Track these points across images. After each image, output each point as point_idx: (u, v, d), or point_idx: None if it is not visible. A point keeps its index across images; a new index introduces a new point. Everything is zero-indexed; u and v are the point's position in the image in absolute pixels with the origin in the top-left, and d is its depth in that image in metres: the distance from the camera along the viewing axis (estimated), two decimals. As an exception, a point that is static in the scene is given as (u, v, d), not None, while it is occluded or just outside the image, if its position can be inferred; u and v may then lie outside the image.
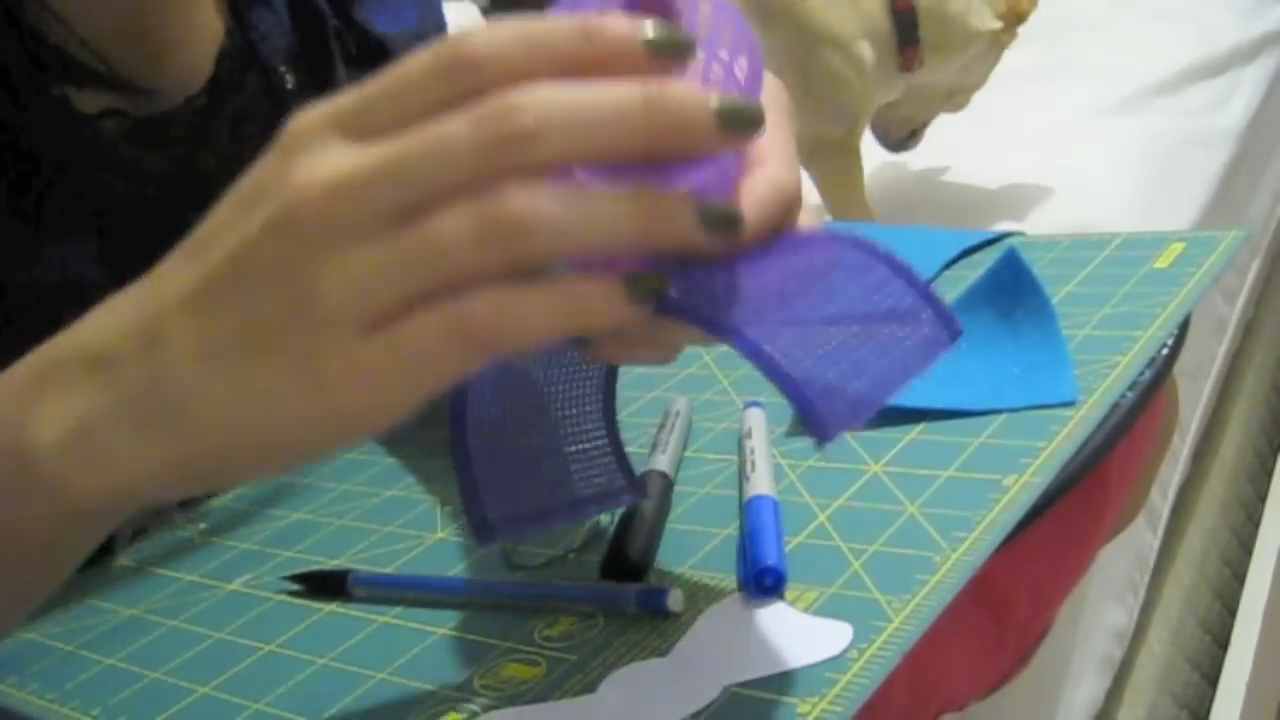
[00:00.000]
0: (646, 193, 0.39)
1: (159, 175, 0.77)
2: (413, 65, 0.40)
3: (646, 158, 0.40)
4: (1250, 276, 1.73)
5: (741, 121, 0.40)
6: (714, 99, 0.39)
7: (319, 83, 0.85)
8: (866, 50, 1.29)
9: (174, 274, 0.43)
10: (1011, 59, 1.85)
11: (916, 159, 1.56)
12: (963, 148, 1.56)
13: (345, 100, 0.41)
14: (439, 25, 0.97)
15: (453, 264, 0.38)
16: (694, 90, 0.39)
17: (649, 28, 0.40)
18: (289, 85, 0.83)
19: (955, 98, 1.43)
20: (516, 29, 0.39)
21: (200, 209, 0.79)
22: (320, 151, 0.40)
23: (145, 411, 0.42)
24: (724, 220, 0.41)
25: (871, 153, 1.46)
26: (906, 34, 1.31)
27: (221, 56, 0.80)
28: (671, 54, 0.40)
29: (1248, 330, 1.80)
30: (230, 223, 0.42)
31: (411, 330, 0.39)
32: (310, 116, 0.41)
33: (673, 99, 0.39)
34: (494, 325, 0.39)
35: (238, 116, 0.81)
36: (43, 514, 0.45)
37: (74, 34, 0.73)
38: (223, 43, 0.81)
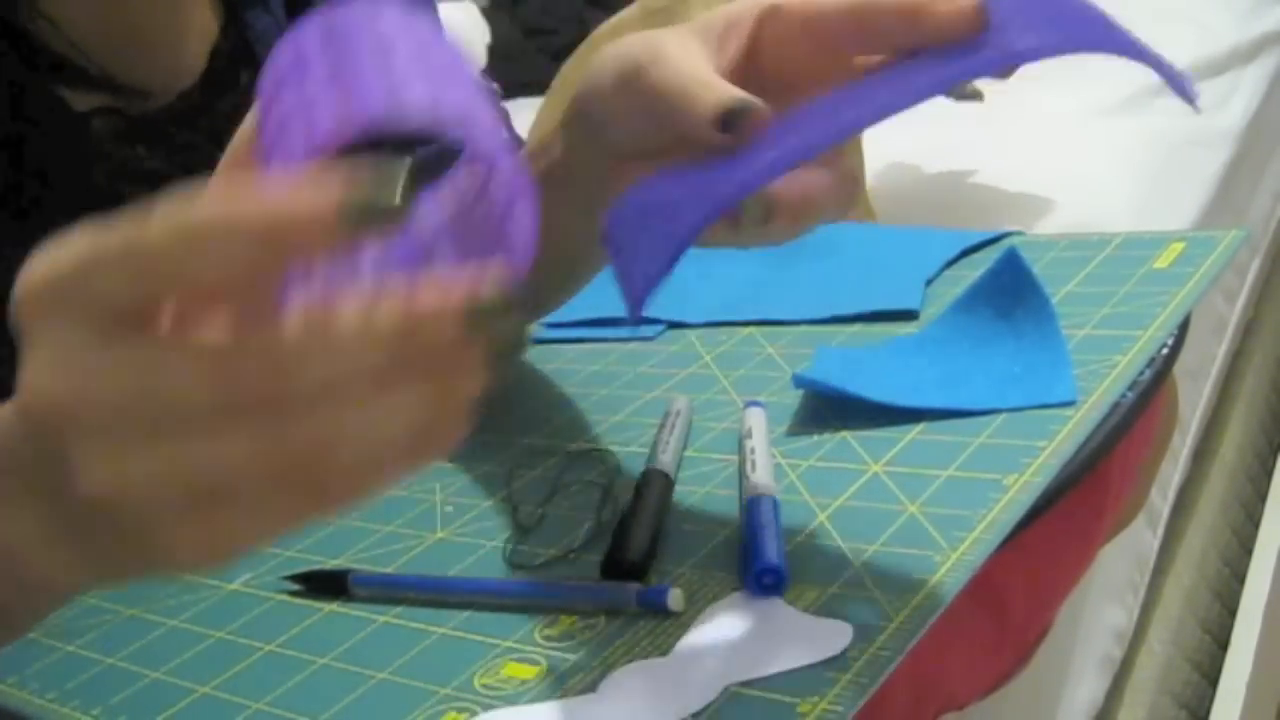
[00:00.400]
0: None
1: (153, 174, 0.77)
2: (110, 258, 0.37)
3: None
4: (1250, 276, 1.73)
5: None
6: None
7: None
8: None
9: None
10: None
11: (916, 159, 1.56)
12: (963, 148, 1.56)
13: (90, 266, 0.37)
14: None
15: (224, 486, 0.37)
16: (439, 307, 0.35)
17: (338, 198, 0.34)
18: None
19: None
20: (192, 229, 0.36)
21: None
22: (53, 348, 0.37)
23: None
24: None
25: (872, 154, 1.45)
26: None
27: (214, 53, 0.80)
28: (368, 225, 0.35)
29: (1248, 330, 1.80)
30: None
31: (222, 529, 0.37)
32: (41, 284, 0.38)
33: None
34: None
35: (232, 114, 0.81)
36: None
37: (65, 36, 0.73)
38: (215, 40, 0.81)
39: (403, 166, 0.34)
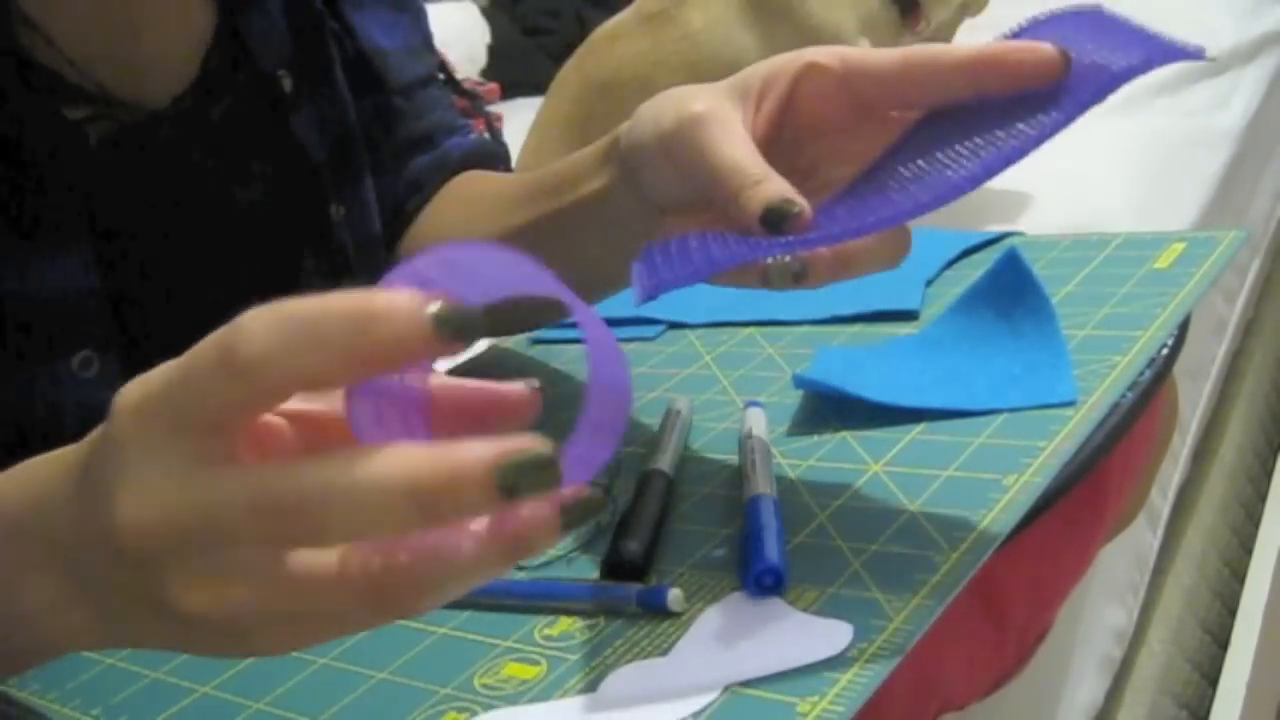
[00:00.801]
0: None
1: (148, 181, 0.77)
2: (201, 361, 0.39)
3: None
4: (1250, 276, 1.73)
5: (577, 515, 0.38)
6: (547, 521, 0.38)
7: (316, 86, 0.85)
8: (866, 46, 1.29)
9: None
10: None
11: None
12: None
13: (162, 393, 0.39)
14: (427, 43, 0.97)
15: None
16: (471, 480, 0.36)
17: (432, 306, 0.36)
18: (286, 89, 0.83)
19: (969, 9, 1.42)
20: (290, 317, 0.37)
21: (192, 211, 0.79)
22: (148, 472, 0.39)
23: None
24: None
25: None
26: (907, 5, 1.32)
27: (208, 58, 0.80)
28: (457, 334, 0.37)
29: (1248, 330, 1.80)
30: (73, 510, 0.43)
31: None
32: (132, 405, 0.40)
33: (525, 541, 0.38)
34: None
35: (227, 118, 0.81)
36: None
37: (58, 51, 0.73)
38: (209, 44, 0.81)
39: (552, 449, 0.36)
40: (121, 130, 0.76)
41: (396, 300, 0.36)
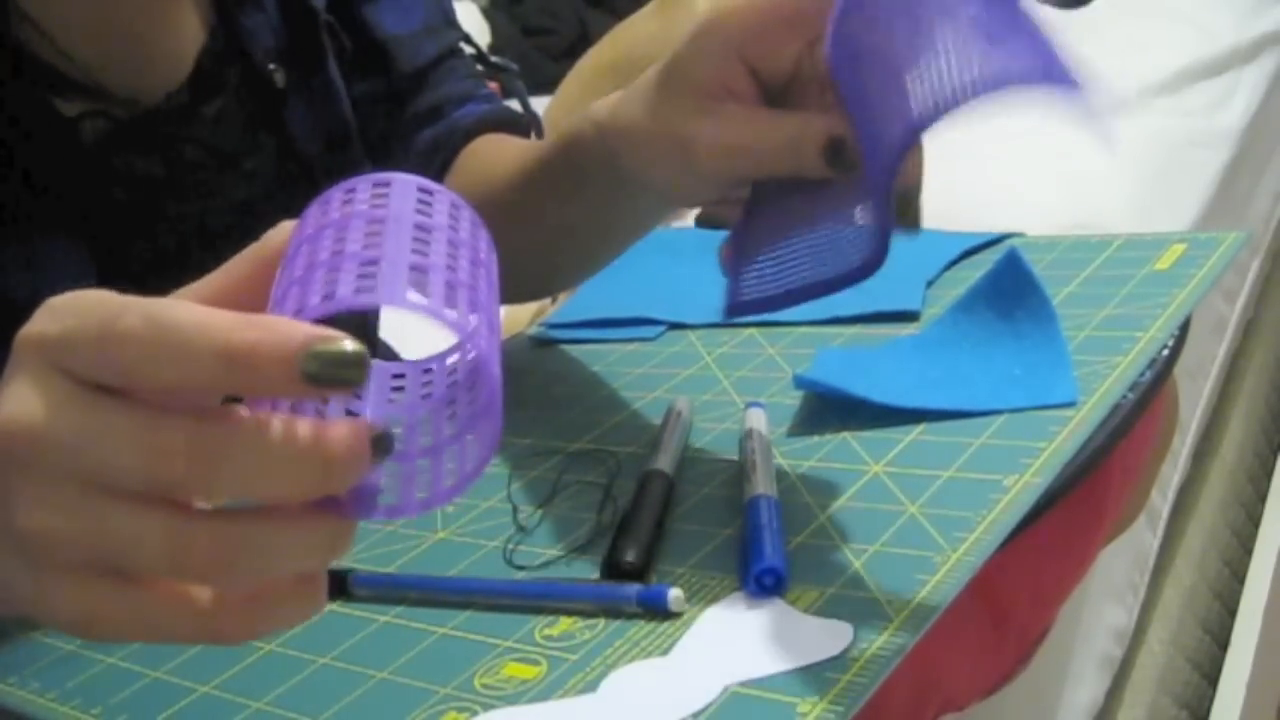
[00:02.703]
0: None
1: (142, 177, 0.77)
2: (86, 324, 0.38)
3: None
4: (1250, 276, 1.73)
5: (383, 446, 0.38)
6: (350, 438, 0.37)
7: (310, 80, 0.85)
8: None
9: None
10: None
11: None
12: (962, 148, 1.56)
13: (73, 335, 0.39)
14: (448, 20, 0.97)
15: (130, 564, 0.38)
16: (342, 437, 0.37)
17: (302, 356, 0.36)
18: (280, 84, 0.83)
19: None
20: (168, 326, 0.37)
21: (186, 207, 0.79)
22: (31, 387, 0.39)
23: None
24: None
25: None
26: None
27: (202, 54, 0.80)
28: (326, 387, 0.36)
29: (1248, 330, 1.80)
30: None
31: (104, 606, 0.39)
32: (34, 337, 0.39)
33: (330, 455, 0.37)
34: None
35: (221, 114, 0.81)
36: None
37: (53, 43, 0.73)
38: (204, 40, 0.81)
39: (363, 349, 0.36)
40: (116, 127, 0.76)
41: (264, 342, 0.36)
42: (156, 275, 0.78)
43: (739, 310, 0.63)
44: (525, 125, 0.97)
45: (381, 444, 0.38)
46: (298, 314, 0.37)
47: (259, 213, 0.82)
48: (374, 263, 0.38)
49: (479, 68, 0.99)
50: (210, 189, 0.80)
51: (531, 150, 0.82)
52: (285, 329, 0.36)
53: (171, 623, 0.39)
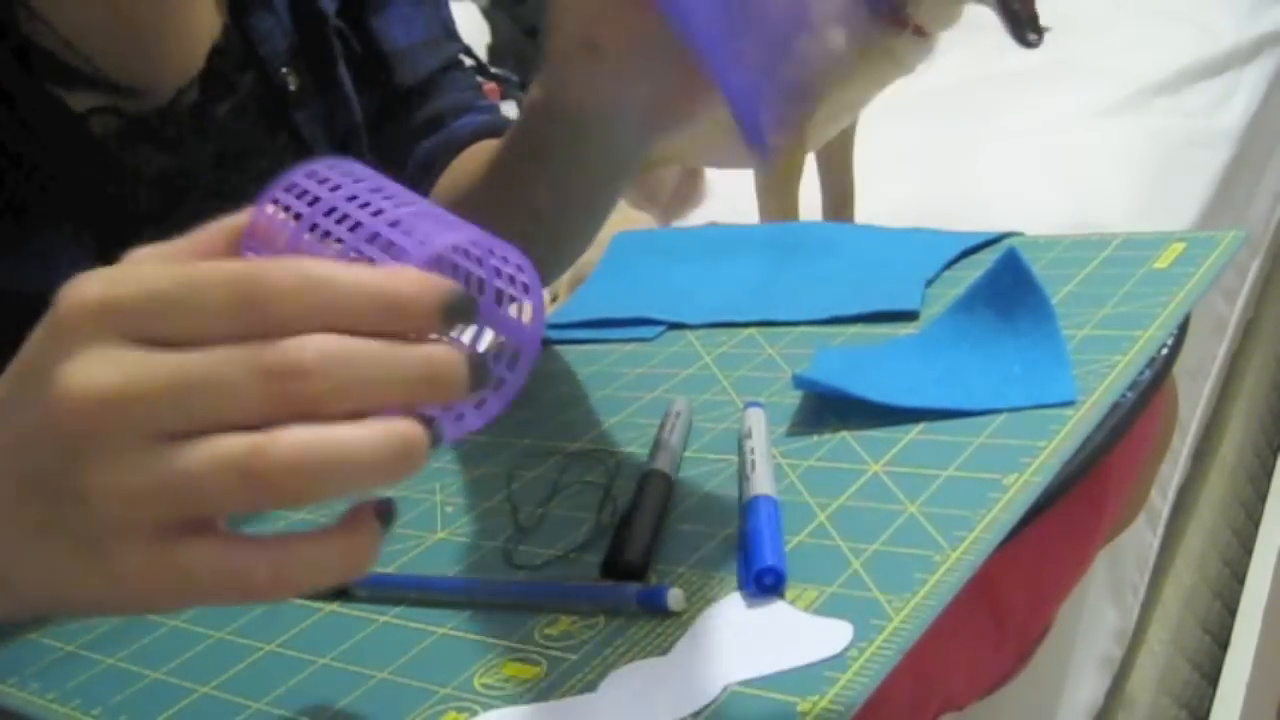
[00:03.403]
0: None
1: (152, 175, 0.77)
2: (208, 281, 0.40)
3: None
4: (1250, 276, 1.74)
5: (482, 375, 0.43)
6: (463, 362, 0.42)
7: (321, 84, 0.85)
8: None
9: None
10: (1012, 59, 1.84)
11: (915, 159, 1.56)
12: (963, 148, 1.56)
13: (129, 290, 0.41)
14: (449, 32, 0.97)
15: (209, 501, 0.40)
16: (455, 358, 0.42)
17: (444, 295, 0.42)
18: (291, 87, 0.83)
19: None
20: (318, 276, 0.40)
21: (197, 206, 0.79)
22: (94, 354, 0.40)
23: None
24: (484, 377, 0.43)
25: (870, 155, 1.46)
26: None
27: (214, 53, 0.80)
28: (461, 320, 0.42)
29: (1248, 330, 1.80)
30: (8, 407, 0.43)
31: (183, 560, 0.41)
32: (88, 299, 0.41)
33: (441, 371, 0.42)
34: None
35: (233, 115, 0.81)
36: None
37: (60, 36, 0.73)
38: (217, 39, 0.81)
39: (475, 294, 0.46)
40: (127, 124, 0.76)
41: (420, 291, 0.41)
42: None
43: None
44: None
45: (479, 371, 0.43)
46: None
47: None
48: (398, 223, 0.45)
49: (478, 79, 1.00)
50: (221, 188, 0.80)
51: (497, 144, 0.83)
52: (431, 280, 0.42)
53: (249, 569, 0.41)
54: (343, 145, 0.86)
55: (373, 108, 0.90)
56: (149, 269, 0.41)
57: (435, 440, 0.42)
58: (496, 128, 0.95)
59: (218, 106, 0.80)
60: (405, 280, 0.41)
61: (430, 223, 0.45)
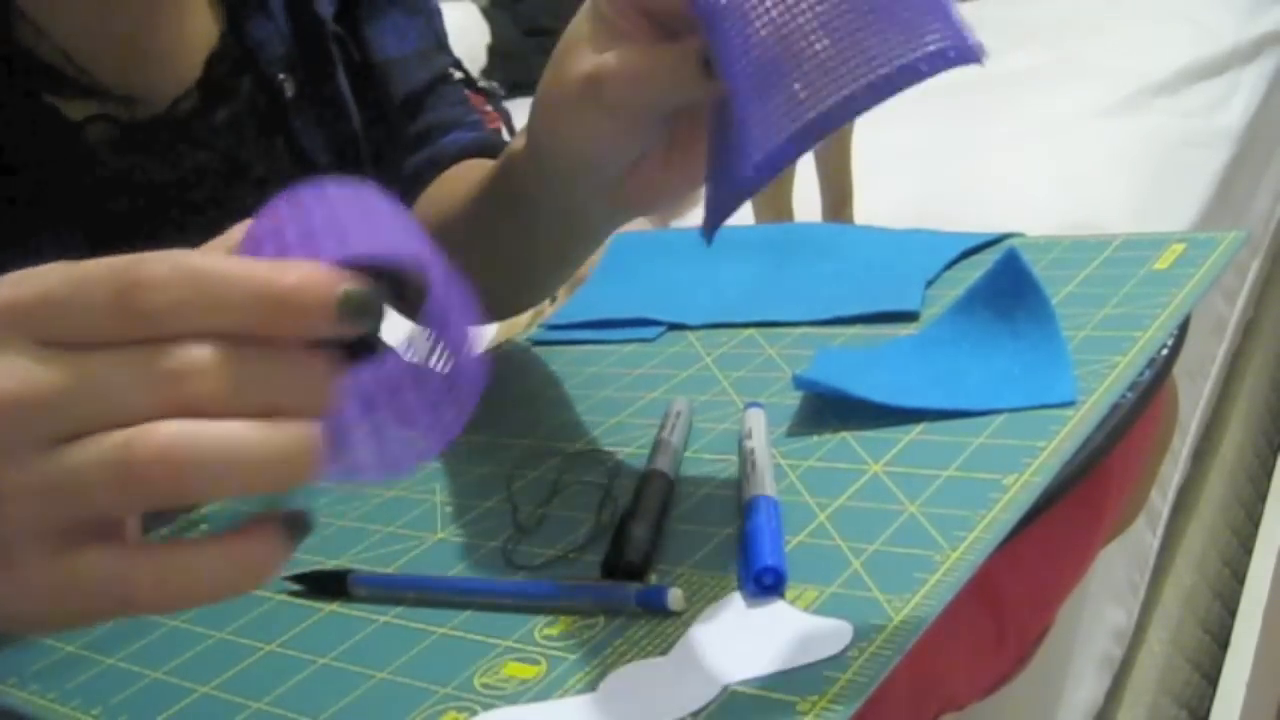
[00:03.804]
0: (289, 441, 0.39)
1: (150, 184, 0.77)
2: (92, 278, 0.39)
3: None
4: (1250, 276, 1.74)
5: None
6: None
7: (318, 91, 0.85)
8: None
9: None
10: (1012, 59, 1.85)
11: (915, 159, 1.56)
12: (963, 148, 1.56)
13: (25, 292, 0.39)
14: (440, 43, 0.97)
15: (94, 500, 0.39)
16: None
17: (342, 290, 0.39)
18: (289, 94, 0.83)
19: None
20: (193, 266, 0.38)
21: (194, 215, 0.78)
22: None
23: None
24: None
25: (870, 154, 1.45)
26: None
27: (211, 60, 0.80)
28: (362, 318, 0.39)
29: (1248, 330, 1.80)
30: None
31: (78, 566, 0.40)
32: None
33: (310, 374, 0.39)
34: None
35: (231, 121, 0.81)
36: None
37: (54, 43, 0.73)
38: (214, 46, 0.81)
39: (381, 292, 0.40)
40: (122, 133, 0.76)
41: (306, 284, 0.38)
42: None
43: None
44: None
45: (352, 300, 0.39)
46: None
47: None
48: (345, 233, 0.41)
49: (466, 92, 0.99)
50: (219, 197, 0.80)
51: (483, 171, 0.82)
52: (323, 272, 0.38)
53: (132, 577, 0.39)
54: (340, 153, 0.86)
55: (364, 120, 0.90)
56: (49, 269, 0.40)
57: (336, 447, 0.40)
58: (482, 146, 0.95)
59: (216, 114, 0.80)
60: (296, 272, 0.38)
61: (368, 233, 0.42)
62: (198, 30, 0.80)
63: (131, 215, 0.76)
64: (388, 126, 0.92)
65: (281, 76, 0.82)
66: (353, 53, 0.88)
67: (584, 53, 0.61)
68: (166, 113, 0.77)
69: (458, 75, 0.99)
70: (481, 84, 1.04)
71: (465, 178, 0.88)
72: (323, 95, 0.85)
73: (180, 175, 0.78)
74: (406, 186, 0.93)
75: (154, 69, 0.78)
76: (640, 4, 0.60)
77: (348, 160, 0.87)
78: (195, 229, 0.79)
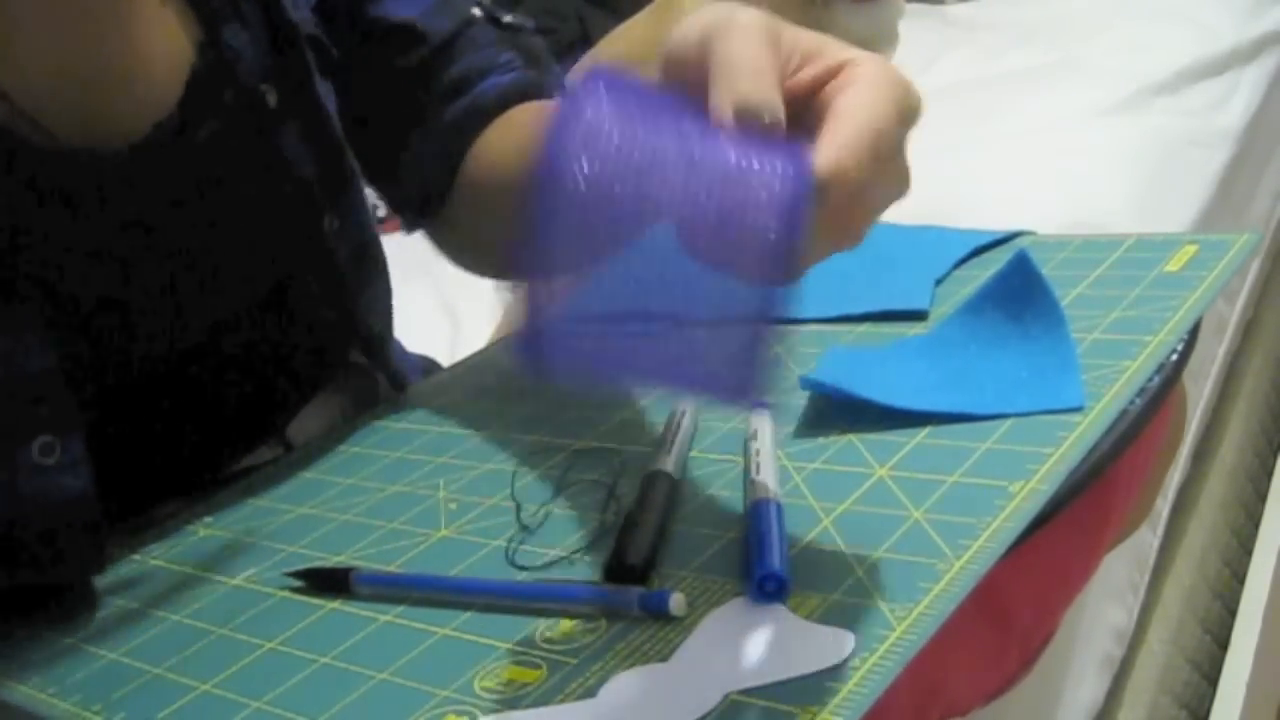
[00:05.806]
0: None
1: (134, 208, 0.75)
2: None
3: None
4: (1250, 277, 1.74)
5: None
6: None
7: (299, 98, 0.82)
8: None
9: None
10: (1011, 59, 1.85)
11: (916, 158, 1.56)
12: (963, 147, 1.55)
13: None
14: None
15: None
16: None
17: None
18: (271, 104, 0.80)
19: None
20: None
21: (180, 237, 0.76)
22: None
23: None
24: None
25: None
26: None
27: (194, 76, 0.76)
28: None
29: (1248, 330, 1.80)
30: None
31: None
32: None
33: None
34: None
35: (218, 137, 0.78)
36: None
37: (17, 109, 0.69)
38: (194, 61, 0.77)
39: None
40: (99, 174, 0.72)
41: None
42: (152, 303, 0.76)
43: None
44: (549, 89, 0.95)
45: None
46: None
47: (254, 237, 0.81)
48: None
49: (496, 32, 0.97)
50: (204, 216, 0.79)
51: (536, 115, 0.80)
52: None
53: None
54: (326, 160, 0.84)
55: (395, 78, 0.88)
56: None
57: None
58: (524, 88, 0.93)
59: (198, 132, 0.76)
60: None
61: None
62: (171, 48, 0.76)
63: (116, 241, 0.74)
64: (421, 83, 0.90)
65: (262, 86, 0.80)
66: (331, 52, 0.85)
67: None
68: (146, 139, 0.74)
69: (478, 14, 0.96)
70: (507, 19, 1.01)
71: (519, 124, 0.87)
72: (303, 103, 0.83)
73: (167, 199, 0.76)
74: (450, 136, 0.91)
75: (129, 96, 0.74)
76: None
77: (333, 167, 0.85)
78: (181, 250, 0.77)
